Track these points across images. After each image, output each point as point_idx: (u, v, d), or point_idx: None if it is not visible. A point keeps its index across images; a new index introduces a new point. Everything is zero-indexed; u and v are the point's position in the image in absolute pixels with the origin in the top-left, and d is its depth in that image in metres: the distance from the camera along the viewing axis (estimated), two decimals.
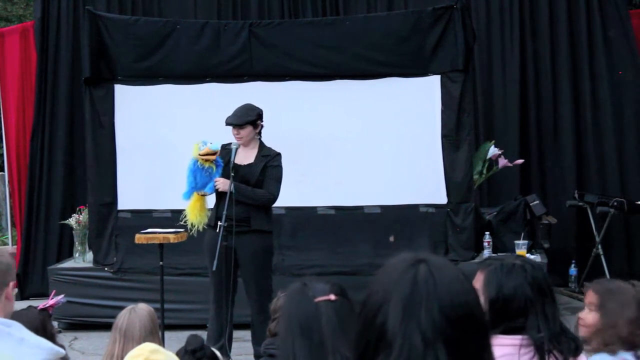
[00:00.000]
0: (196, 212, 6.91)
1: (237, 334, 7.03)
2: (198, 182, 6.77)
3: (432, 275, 1.65)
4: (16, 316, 3.82)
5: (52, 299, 4.12)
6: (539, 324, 2.82)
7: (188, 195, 6.86)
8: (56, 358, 2.80)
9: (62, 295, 4.25)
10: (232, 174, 6.73)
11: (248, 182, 6.82)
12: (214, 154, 6.72)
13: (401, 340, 1.61)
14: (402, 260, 1.69)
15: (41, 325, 3.83)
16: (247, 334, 7.11)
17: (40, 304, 4.05)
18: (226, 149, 6.87)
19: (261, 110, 6.95)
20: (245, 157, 6.91)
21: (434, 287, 1.64)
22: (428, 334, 1.61)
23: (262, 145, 6.95)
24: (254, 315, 6.79)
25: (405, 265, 1.68)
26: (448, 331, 1.62)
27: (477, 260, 8.32)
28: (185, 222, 7.01)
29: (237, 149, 6.85)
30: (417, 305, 1.63)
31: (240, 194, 6.74)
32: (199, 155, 6.70)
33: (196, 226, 6.95)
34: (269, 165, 6.86)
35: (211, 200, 7.01)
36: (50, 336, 3.77)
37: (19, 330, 2.78)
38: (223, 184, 6.72)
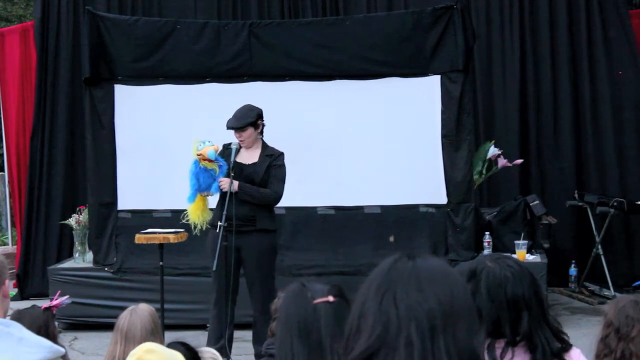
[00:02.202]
0: (198, 212, 6.93)
1: (237, 334, 7.03)
2: (201, 184, 6.79)
3: (414, 262, 1.71)
4: (20, 315, 3.83)
5: (56, 299, 4.12)
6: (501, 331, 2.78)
7: (192, 199, 6.88)
8: (56, 356, 2.80)
9: (66, 296, 4.24)
10: (232, 174, 6.74)
11: (253, 181, 6.84)
12: (210, 160, 6.71)
13: (378, 315, 1.64)
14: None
15: (44, 325, 3.84)
16: (247, 334, 7.11)
17: (45, 303, 4.05)
18: (227, 149, 6.89)
19: (261, 110, 6.96)
20: (249, 156, 6.93)
21: (413, 269, 1.69)
22: (402, 310, 1.63)
23: (265, 145, 6.98)
24: (257, 314, 6.80)
25: (391, 257, 1.75)
26: (424, 311, 1.64)
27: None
28: (187, 221, 7.02)
29: (237, 149, 6.86)
30: (393, 283, 1.68)
31: (246, 194, 6.76)
32: (197, 154, 6.71)
33: (199, 226, 6.97)
34: (273, 164, 6.89)
35: (212, 200, 7.02)
36: (52, 336, 3.77)
37: (19, 330, 2.78)
38: (227, 184, 6.73)
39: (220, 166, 6.78)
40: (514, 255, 7.35)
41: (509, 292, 2.77)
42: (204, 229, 6.99)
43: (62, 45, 10.05)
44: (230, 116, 6.96)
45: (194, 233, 7.08)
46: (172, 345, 3.44)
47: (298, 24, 8.90)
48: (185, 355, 3.44)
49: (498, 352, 2.73)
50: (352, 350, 1.68)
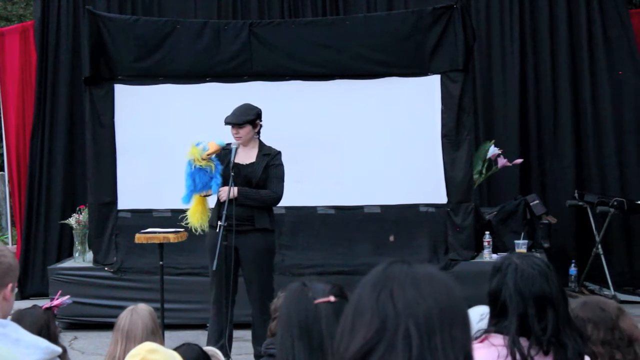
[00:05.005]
0: (198, 215, 6.92)
1: (237, 333, 7.03)
2: (197, 184, 6.78)
3: (409, 265, 1.72)
4: (21, 315, 3.82)
5: (57, 299, 4.11)
6: (524, 326, 2.80)
7: (187, 199, 6.87)
8: (52, 357, 2.80)
9: (67, 296, 4.24)
10: (233, 174, 6.74)
11: (250, 181, 6.83)
12: (221, 148, 6.74)
13: (375, 310, 1.64)
14: None
15: (45, 325, 3.83)
16: (247, 334, 7.11)
17: (45, 303, 4.04)
18: (226, 149, 6.88)
19: (260, 110, 6.97)
20: (246, 156, 6.92)
21: (409, 270, 1.70)
22: (400, 307, 1.63)
23: (261, 144, 6.97)
24: (256, 314, 6.80)
25: (385, 261, 1.76)
26: (421, 309, 1.64)
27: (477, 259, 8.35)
28: (186, 224, 7.02)
29: (237, 149, 6.86)
30: (389, 281, 1.68)
31: (247, 198, 6.76)
32: (207, 154, 6.70)
33: (199, 229, 6.96)
34: (271, 164, 6.88)
35: (212, 201, 7.02)
36: (54, 336, 3.77)
37: (15, 330, 2.78)
38: (226, 192, 6.70)
39: (216, 165, 6.78)
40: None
41: (537, 289, 2.79)
42: (204, 231, 6.98)
43: (62, 45, 10.05)
44: (229, 113, 6.96)
45: (196, 233, 7.06)
46: (188, 346, 3.46)
47: (298, 24, 8.90)
48: (200, 356, 3.47)
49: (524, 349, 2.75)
50: (345, 350, 1.67)
